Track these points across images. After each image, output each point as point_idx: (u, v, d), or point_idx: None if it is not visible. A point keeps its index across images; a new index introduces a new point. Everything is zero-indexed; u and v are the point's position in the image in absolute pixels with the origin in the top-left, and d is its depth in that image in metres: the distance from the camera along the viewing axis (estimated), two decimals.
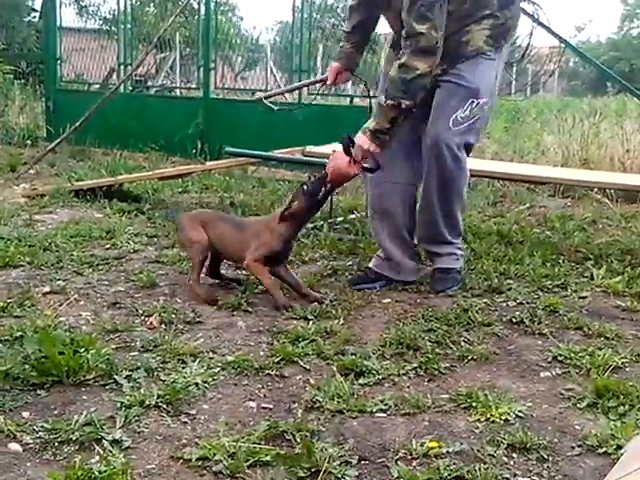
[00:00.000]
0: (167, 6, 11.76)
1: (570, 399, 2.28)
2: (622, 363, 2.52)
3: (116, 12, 9.52)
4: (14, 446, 1.94)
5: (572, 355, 2.58)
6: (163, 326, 2.84)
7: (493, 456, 1.92)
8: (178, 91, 11.16)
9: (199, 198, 5.59)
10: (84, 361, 2.35)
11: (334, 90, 7.50)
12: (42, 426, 2.03)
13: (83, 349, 2.40)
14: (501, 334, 2.84)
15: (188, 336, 2.74)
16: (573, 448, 1.98)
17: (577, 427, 2.10)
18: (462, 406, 2.22)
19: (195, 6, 8.72)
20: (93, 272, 3.54)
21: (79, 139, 7.64)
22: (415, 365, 2.51)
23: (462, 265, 3.45)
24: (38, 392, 2.25)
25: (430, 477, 1.79)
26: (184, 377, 2.35)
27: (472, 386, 2.35)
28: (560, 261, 3.82)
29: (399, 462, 1.89)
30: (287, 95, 7.38)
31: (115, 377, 2.34)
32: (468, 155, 3.33)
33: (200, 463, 1.87)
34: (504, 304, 3.18)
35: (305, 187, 3.14)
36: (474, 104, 3.15)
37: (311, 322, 2.89)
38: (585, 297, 3.30)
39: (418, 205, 3.44)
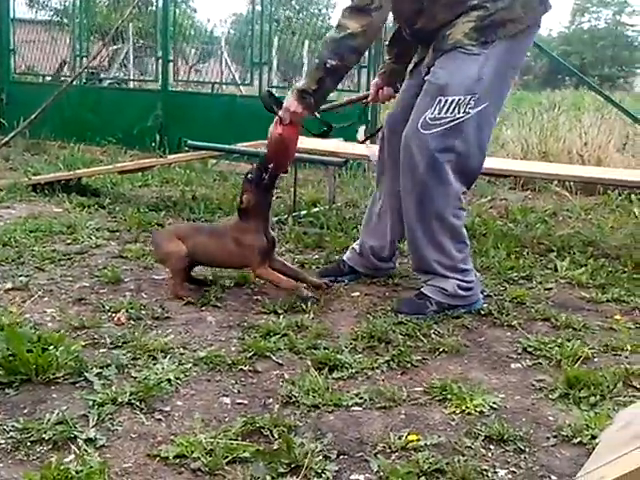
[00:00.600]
0: None
1: (542, 390, 2.31)
2: (591, 354, 2.56)
3: (67, 3, 9.35)
4: None
5: (542, 346, 2.62)
6: (131, 322, 2.79)
7: (471, 448, 1.93)
8: (132, 84, 11.01)
9: (160, 192, 5.52)
10: (53, 359, 2.30)
11: None
12: (13, 426, 1.98)
13: (51, 346, 2.35)
14: (470, 326, 2.86)
15: (157, 332, 2.70)
16: (548, 439, 2.00)
17: (551, 418, 2.13)
18: (437, 398, 2.23)
19: None
20: (56, 268, 3.47)
21: (34, 132, 7.49)
22: (387, 358, 2.51)
23: (452, 303, 2.98)
24: (6, 391, 2.19)
25: (410, 470, 1.79)
26: (156, 373, 2.32)
27: (445, 378, 2.35)
28: (524, 253, 3.87)
29: (378, 455, 1.88)
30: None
31: (85, 374, 2.29)
32: (467, 184, 3.00)
33: (177, 461, 1.84)
34: (483, 305, 3.18)
35: (249, 176, 3.12)
36: (442, 102, 2.82)
37: (281, 316, 2.87)
38: (550, 289, 3.35)
39: None
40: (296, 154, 3.29)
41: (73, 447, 1.89)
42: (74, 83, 7.92)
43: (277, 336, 2.65)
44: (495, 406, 2.18)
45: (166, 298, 3.10)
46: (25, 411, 2.09)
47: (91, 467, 1.74)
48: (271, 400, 2.20)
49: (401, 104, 3.23)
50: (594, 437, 1.97)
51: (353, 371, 2.40)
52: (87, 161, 6.60)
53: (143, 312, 2.89)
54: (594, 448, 1.91)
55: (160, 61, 7.95)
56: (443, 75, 2.87)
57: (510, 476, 1.82)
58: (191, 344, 2.60)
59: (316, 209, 4.91)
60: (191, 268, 3.26)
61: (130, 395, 2.16)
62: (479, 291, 3.09)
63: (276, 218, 4.53)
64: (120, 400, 2.13)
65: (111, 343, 2.57)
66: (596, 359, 2.54)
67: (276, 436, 1.96)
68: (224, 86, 10.10)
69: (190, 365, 2.41)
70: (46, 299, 3.05)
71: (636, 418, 1.98)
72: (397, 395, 2.22)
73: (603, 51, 40.98)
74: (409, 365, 2.48)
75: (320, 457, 1.86)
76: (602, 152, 6.15)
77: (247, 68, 8.67)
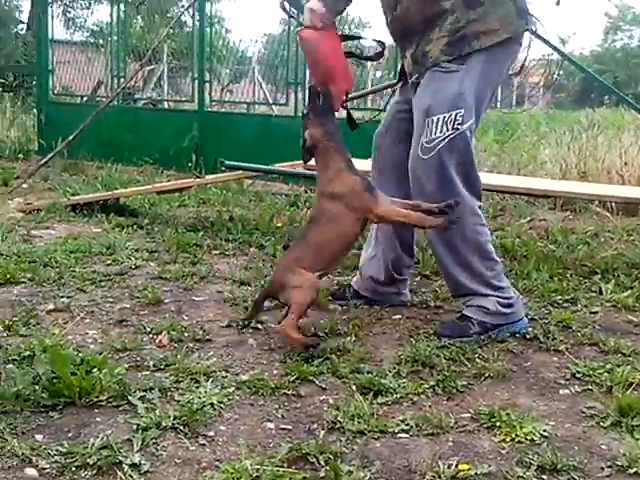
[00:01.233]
0: (154, 18, 11.72)
1: (593, 417, 2.25)
2: None
3: (103, 24, 9.48)
4: (30, 471, 1.88)
5: (590, 372, 2.55)
6: (173, 344, 2.78)
7: (523, 478, 1.88)
8: (166, 104, 11.10)
9: (197, 212, 5.54)
10: (96, 381, 2.29)
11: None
12: (57, 450, 1.97)
13: (95, 369, 2.34)
14: (516, 350, 2.80)
15: (199, 355, 2.68)
16: (603, 469, 1.95)
17: (604, 447, 2.07)
18: (485, 425, 2.18)
19: (183, 18, 8.69)
20: (96, 289, 3.48)
21: (72, 153, 7.57)
22: (432, 383, 2.46)
23: (495, 322, 2.94)
24: (50, 414, 2.19)
25: None
26: (199, 397, 2.30)
27: (492, 405, 2.31)
28: (567, 275, 3.80)
29: None
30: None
31: (129, 398, 2.28)
32: (477, 197, 2.98)
33: None
34: (529, 327, 3.12)
35: (303, 111, 2.90)
36: (430, 124, 2.84)
37: (323, 339, 2.84)
38: (596, 312, 3.28)
39: None
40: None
41: (118, 473, 1.87)
42: (112, 103, 8.01)
43: (319, 360, 2.62)
44: (546, 434, 2.12)
45: (206, 320, 3.08)
46: (69, 435, 2.08)
47: None
48: (316, 425, 2.17)
49: (388, 118, 3.25)
50: None
51: (398, 396, 2.36)
52: (124, 181, 6.65)
53: (184, 334, 2.87)
54: None
55: (196, 82, 8.00)
56: (426, 98, 2.90)
57: None
58: (233, 367, 2.58)
59: None
60: None
61: (174, 419, 2.14)
62: (522, 310, 3.04)
63: None
64: (164, 424, 2.12)
65: (154, 366, 2.56)
66: None
67: (322, 463, 1.92)
68: (257, 106, 10.16)
69: (233, 389, 2.39)
70: (88, 320, 3.05)
71: None
72: (444, 422, 2.17)
73: (636, 69, 40.57)
74: (454, 390, 2.43)
75: None
76: None
77: (279, 88, 8.71)
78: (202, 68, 7.90)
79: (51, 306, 3.18)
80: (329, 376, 2.52)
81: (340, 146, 2.84)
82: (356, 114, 3.47)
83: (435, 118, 2.85)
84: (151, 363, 2.57)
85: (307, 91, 2.80)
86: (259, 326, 3.00)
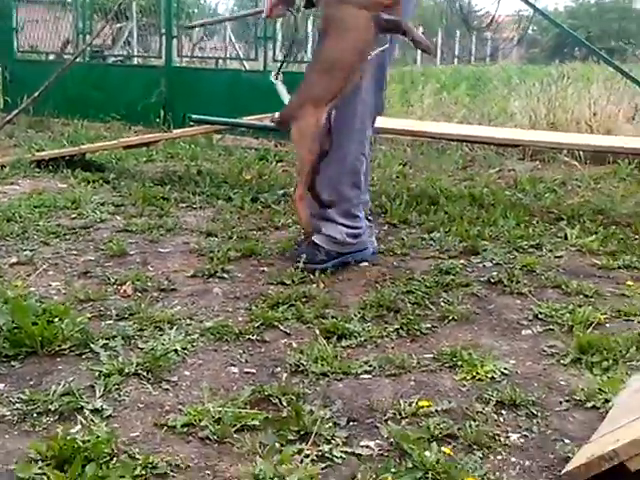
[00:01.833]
0: None
1: (554, 355, 2.28)
2: (603, 319, 2.53)
3: None
4: None
5: (553, 313, 2.59)
6: (137, 294, 2.76)
7: (483, 413, 1.90)
8: (135, 61, 10.92)
9: (164, 167, 5.47)
10: (58, 331, 2.28)
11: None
12: (19, 397, 1.96)
13: (57, 319, 2.33)
14: (480, 294, 2.82)
15: (164, 304, 2.67)
16: (561, 403, 1.98)
17: (563, 383, 2.10)
18: (447, 365, 2.21)
19: None
20: (60, 242, 3.44)
21: (37, 110, 7.41)
22: (397, 326, 2.48)
23: (340, 250, 3.12)
24: (12, 363, 2.17)
25: (421, 436, 1.77)
26: (162, 344, 2.29)
27: (455, 345, 2.33)
28: (533, 222, 3.83)
29: (389, 422, 1.86)
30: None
31: (91, 346, 2.27)
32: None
33: (186, 429, 1.82)
34: (481, 265, 3.16)
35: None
36: None
37: (289, 287, 2.84)
38: (561, 256, 3.31)
39: None
40: None
41: (80, 417, 1.86)
42: (78, 60, 7.85)
43: (285, 306, 2.62)
44: (506, 372, 2.15)
45: (172, 270, 3.07)
46: (31, 383, 2.07)
47: (98, 437, 1.71)
48: (279, 369, 2.17)
49: None
50: (607, 401, 1.94)
51: (362, 339, 2.37)
52: (91, 137, 6.55)
53: (149, 284, 2.86)
54: (607, 412, 1.88)
55: (164, 37, 7.86)
56: None
57: (522, 440, 1.80)
58: (198, 315, 2.57)
59: None
60: None
61: (137, 366, 2.13)
62: (367, 241, 3.21)
63: (282, 190, 4.48)
64: (127, 371, 2.11)
65: (117, 315, 2.54)
66: (608, 325, 2.51)
67: (285, 404, 1.93)
68: (228, 62, 10.01)
69: (197, 335, 2.39)
70: (51, 273, 3.02)
71: None
72: (407, 362, 2.19)
73: (610, 24, 40.53)
74: (418, 333, 2.45)
75: (329, 424, 1.84)
76: (611, 122, 6.07)
77: (251, 44, 8.58)
78: (169, 23, 7.75)
79: (14, 259, 3.14)
80: (294, 321, 2.52)
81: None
82: None
83: None
84: (114, 312, 2.56)
85: None
86: (225, 275, 2.99)
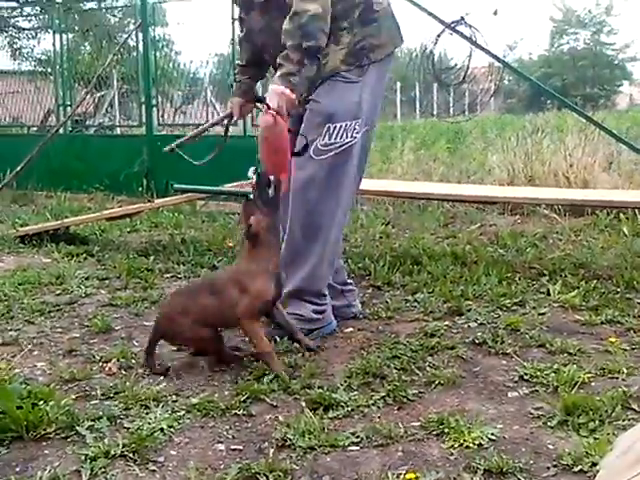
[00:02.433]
0: (102, 44, 11.67)
1: (540, 418, 2.28)
2: (587, 378, 2.53)
3: (50, 53, 9.39)
4: None
5: (538, 373, 2.59)
6: (122, 371, 2.76)
7: None
8: (118, 129, 11.03)
9: (149, 236, 5.50)
10: (44, 414, 2.27)
11: None
12: None
13: (42, 401, 2.32)
14: (465, 356, 2.83)
15: (149, 380, 2.66)
16: (549, 468, 1.98)
17: (550, 446, 2.10)
18: (434, 433, 2.20)
19: (131, 43, 8.66)
20: (45, 320, 3.44)
21: (21, 183, 7.49)
22: (383, 394, 2.48)
23: (309, 327, 3.11)
24: None
25: None
26: (149, 423, 2.28)
27: (442, 411, 2.33)
28: (516, 279, 3.86)
29: None
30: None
31: (77, 428, 2.26)
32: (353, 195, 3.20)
33: None
34: (466, 325, 3.18)
35: (250, 196, 2.77)
36: (331, 130, 2.97)
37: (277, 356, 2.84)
38: (544, 313, 3.33)
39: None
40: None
41: None
42: (59, 132, 7.95)
43: (270, 377, 2.62)
44: (493, 437, 2.15)
45: (158, 345, 3.05)
46: (17, 469, 2.06)
47: None
48: (266, 444, 2.17)
49: None
50: (595, 464, 1.94)
51: (349, 409, 2.37)
52: (75, 209, 6.59)
53: (134, 361, 2.85)
54: (595, 476, 1.88)
55: (144, 106, 7.97)
56: (328, 104, 3.00)
57: None
58: (184, 390, 2.57)
59: None
60: None
61: (123, 447, 2.12)
62: (331, 314, 3.22)
63: None
64: (113, 453, 2.10)
65: (102, 394, 2.53)
66: (593, 383, 2.52)
67: None
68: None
69: (183, 412, 2.38)
70: (36, 352, 3.01)
71: (637, 442, 1.95)
72: (394, 432, 2.19)
73: (584, 71, 41.34)
74: (405, 400, 2.45)
75: None
76: (588, 173, 6.17)
77: None
78: (149, 92, 7.86)
79: None
80: (280, 393, 2.52)
81: (276, 242, 2.80)
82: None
83: (338, 125, 3.00)
84: (100, 392, 2.55)
85: (256, 177, 2.74)
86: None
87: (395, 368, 2.70)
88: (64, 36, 8.83)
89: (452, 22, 5.44)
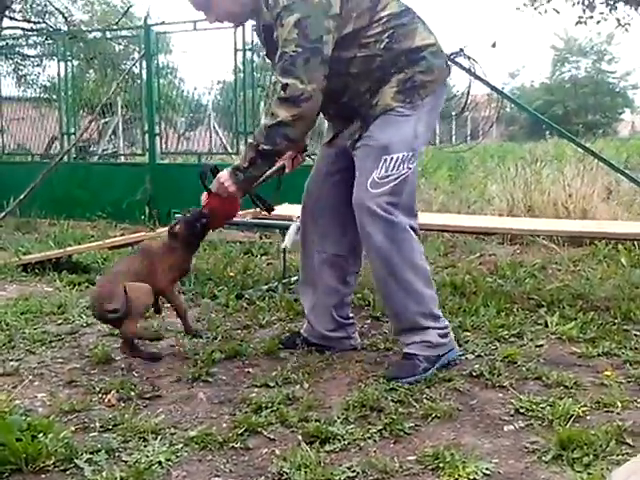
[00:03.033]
0: (107, 71, 11.80)
1: (535, 452, 2.29)
2: (583, 412, 2.55)
3: (55, 80, 9.49)
4: None
5: (533, 407, 2.61)
6: (122, 403, 2.78)
7: None
8: (122, 157, 11.11)
9: None
10: (43, 446, 2.29)
11: None
12: None
13: (41, 434, 2.34)
14: (462, 389, 2.85)
15: (148, 412, 2.68)
16: None
17: None
18: (429, 467, 2.22)
19: (135, 70, 8.75)
20: (46, 350, 3.47)
21: (24, 211, 7.55)
22: (380, 427, 2.49)
23: (437, 353, 3.05)
24: None
25: None
26: (147, 456, 2.30)
27: (438, 445, 2.34)
28: (514, 310, 3.88)
29: None
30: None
31: (76, 461, 2.27)
32: (415, 221, 3.10)
33: None
34: (463, 357, 3.19)
35: (186, 215, 3.37)
36: (388, 161, 2.97)
37: (273, 389, 2.86)
38: (541, 345, 3.35)
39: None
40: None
41: None
42: (64, 159, 8.02)
43: (268, 410, 2.64)
44: (488, 472, 2.16)
45: (157, 376, 3.09)
46: None
47: None
48: (263, 478, 2.18)
49: (318, 173, 3.36)
50: None
51: (345, 443, 2.39)
52: (77, 237, 6.63)
53: (134, 392, 2.87)
54: None
55: (147, 135, 8.05)
56: (383, 136, 3.01)
57: None
58: (182, 423, 2.59)
59: None
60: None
61: None
62: (452, 337, 3.18)
63: (266, 286, 4.55)
64: None
65: (101, 426, 2.55)
66: (588, 417, 2.53)
67: None
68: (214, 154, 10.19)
69: (181, 445, 2.39)
70: (37, 383, 3.03)
71: (631, 477, 1.97)
72: (389, 466, 2.20)
73: (585, 99, 41.60)
74: (402, 433, 2.46)
75: None
76: (587, 203, 6.21)
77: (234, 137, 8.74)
78: (152, 121, 7.95)
79: (0, 370, 3.16)
80: (278, 426, 2.53)
81: (191, 248, 3.45)
82: None
83: (395, 156, 2.98)
84: (99, 424, 2.56)
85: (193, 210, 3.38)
86: (209, 379, 3.01)
87: (392, 401, 2.72)
88: (69, 64, 8.94)
89: (451, 54, 5.49)
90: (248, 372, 3.11)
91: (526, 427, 2.49)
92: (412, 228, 3.06)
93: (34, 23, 19.32)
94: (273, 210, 3.39)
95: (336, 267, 3.32)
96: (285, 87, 2.88)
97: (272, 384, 2.92)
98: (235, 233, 6.84)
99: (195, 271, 5.04)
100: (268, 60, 3.29)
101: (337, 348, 3.34)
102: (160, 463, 2.26)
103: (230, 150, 9.44)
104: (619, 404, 2.60)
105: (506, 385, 2.86)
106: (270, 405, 2.68)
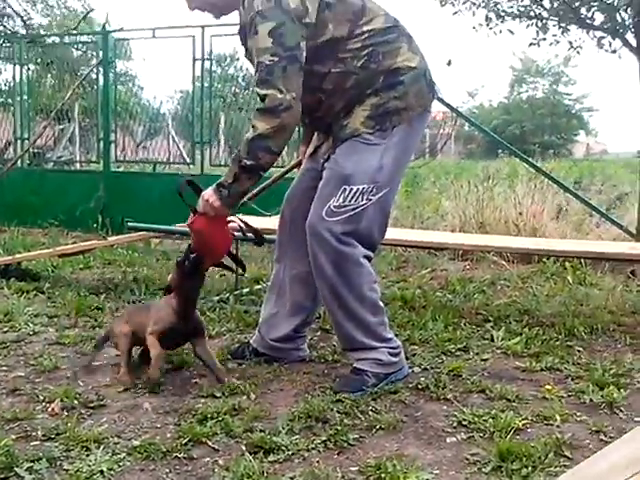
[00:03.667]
0: (64, 77, 11.69)
1: (475, 464, 2.33)
2: (523, 424, 2.59)
3: (11, 84, 9.38)
4: None
5: (476, 419, 2.64)
6: (65, 412, 2.75)
7: None
8: (77, 164, 11.01)
9: (101, 274, 5.49)
10: None
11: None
12: None
13: None
14: (408, 401, 2.88)
15: (91, 421, 2.66)
16: None
17: None
18: (371, 478, 2.23)
19: (94, 76, 8.69)
20: None
21: None
22: (324, 438, 2.50)
23: (387, 371, 3.05)
24: None
25: None
26: (88, 465, 2.28)
27: (381, 456, 2.36)
28: (462, 324, 3.94)
29: None
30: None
31: (16, 470, 2.24)
32: (372, 251, 3.08)
33: None
34: (410, 370, 3.23)
35: (178, 258, 3.13)
36: (347, 192, 2.93)
37: (219, 399, 2.86)
38: (487, 359, 3.40)
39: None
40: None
41: None
42: (17, 165, 7.92)
43: (213, 420, 2.63)
44: None
45: (102, 385, 3.06)
46: None
47: None
48: None
49: (299, 186, 3.34)
50: None
51: (289, 453, 2.39)
52: (28, 244, 6.55)
53: (78, 401, 2.84)
54: None
55: (101, 142, 7.99)
56: (346, 165, 2.97)
57: None
58: (126, 432, 2.57)
59: (258, 286, 4.92)
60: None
61: None
62: (404, 357, 3.18)
63: (217, 297, 4.55)
64: None
65: (44, 435, 2.52)
66: (529, 429, 2.58)
67: None
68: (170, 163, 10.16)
69: (124, 455, 2.38)
70: None
71: None
72: (331, 476, 2.22)
73: (542, 119, 42.36)
74: (345, 444, 2.48)
75: None
76: (537, 221, 6.34)
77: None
78: (107, 129, 7.90)
79: None
80: (222, 436, 2.53)
81: (187, 296, 3.10)
82: None
83: (355, 188, 2.93)
84: (41, 433, 2.53)
85: (186, 248, 3.13)
86: (155, 389, 3.00)
87: (338, 412, 2.73)
88: (25, 68, 8.84)
89: None
90: (195, 382, 3.10)
91: (468, 439, 2.52)
92: (368, 257, 3.05)
93: None
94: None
95: (306, 284, 3.26)
96: (264, 98, 2.83)
97: (218, 394, 2.91)
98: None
99: (146, 280, 5.02)
100: (247, 60, 3.17)
101: (286, 359, 3.35)
102: (102, 472, 2.24)
103: (188, 160, 9.42)
104: (558, 417, 2.66)
105: (450, 398, 2.90)
106: (215, 415, 2.67)
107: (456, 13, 7.08)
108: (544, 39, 6.86)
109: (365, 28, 2.96)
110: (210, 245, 3.08)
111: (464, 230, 6.46)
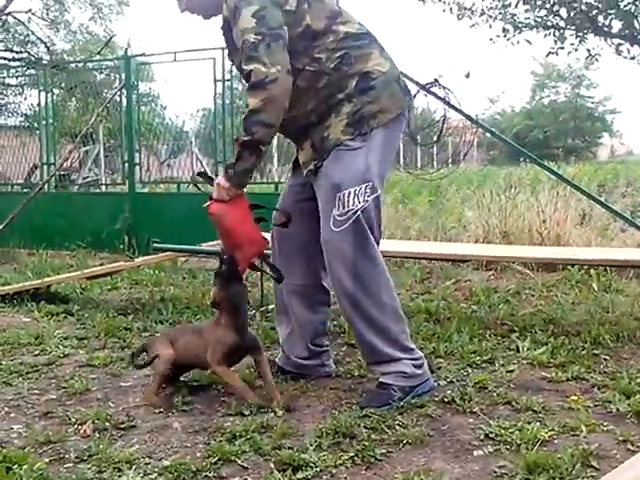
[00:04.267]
0: (88, 100, 11.86)
1: (503, 477, 2.34)
2: (550, 436, 2.60)
3: (36, 108, 9.53)
4: None
5: (502, 432, 2.65)
6: (97, 434, 2.80)
7: None
8: (103, 185, 11.15)
9: (129, 294, 5.57)
10: (17, 478, 2.32)
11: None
12: None
13: (16, 465, 2.37)
14: (434, 415, 2.89)
15: (123, 442, 2.71)
16: None
17: None
18: None
19: (117, 99, 8.81)
20: (23, 381, 3.48)
21: (3, 241, 7.56)
22: (352, 454, 2.53)
23: (412, 384, 3.07)
24: None
25: None
26: None
27: (408, 471, 2.38)
28: (487, 335, 3.95)
29: None
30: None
31: None
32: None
33: None
34: (435, 384, 3.24)
35: (216, 273, 3.15)
36: (342, 198, 3.01)
37: (248, 417, 2.89)
38: (512, 371, 3.40)
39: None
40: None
41: None
42: (44, 188, 8.04)
43: (242, 439, 2.66)
44: None
45: (133, 406, 3.11)
46: None
47: None
48: None
49: (284, 203, 3.38)
50: None
51: (317, 470, 2.42)
52: (56, 267, 6.65)
53: (109, 422, 2.89)
54: None
55: (126, 164, 8.09)
56: (335, 174, 3.05)
57: None
58: (156, 453, 2.61)
59: None
60: (181, 374, 3.33)
61: None
62: (427, 368, 3.20)
63: None
64: None
65: (76, 457, 2.57)
66: (555, 441, 2.59)
67: None
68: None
69: (155, 475, 2.42)
70: (13, 415, 3.05)
71: None
72: None
73: (565, 123, 42.18)
74: (373, 459, 2.50)
75: None
76: (560, 228, 6.31)
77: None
78: (131, 151, 8.00)
79: None
80: (251, 454, 2.56)
81: (233, 306, 3.07)
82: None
83: (347, 192, 3.01)
84: (74, 455, 2.58)
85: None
86: (185, 408, 3.04)
87: (365, 427, 2.76)
88: (50, 93, 8.99)
89: (426, 84, 5.58)
90: (223, 401, 3.13)
91: (495, 452, 2.53)
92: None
93: (16, 52, 19.41)
94: (289, 220, 3.26)
95: (302, 297, 3.36)
96: (249, 74, 2.91)
97: (247, 412, 2.94)
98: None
99: (173, 299, 5.08)
100: (230, 62, 3.31)
101: (312, 376, 3.39)
102: None
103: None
104: (585, 428, 2.66)
105: (476, 410, 2.91)
106: (244, 434, 2.71)
107: (473, 26, 7.11)
108: (562, 48, 6.87)
109: (341, 27, 3.09)
110: (234, 234, 3.09)
111: (488, 240, 6.45)
